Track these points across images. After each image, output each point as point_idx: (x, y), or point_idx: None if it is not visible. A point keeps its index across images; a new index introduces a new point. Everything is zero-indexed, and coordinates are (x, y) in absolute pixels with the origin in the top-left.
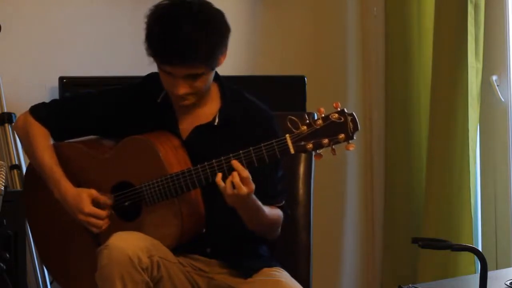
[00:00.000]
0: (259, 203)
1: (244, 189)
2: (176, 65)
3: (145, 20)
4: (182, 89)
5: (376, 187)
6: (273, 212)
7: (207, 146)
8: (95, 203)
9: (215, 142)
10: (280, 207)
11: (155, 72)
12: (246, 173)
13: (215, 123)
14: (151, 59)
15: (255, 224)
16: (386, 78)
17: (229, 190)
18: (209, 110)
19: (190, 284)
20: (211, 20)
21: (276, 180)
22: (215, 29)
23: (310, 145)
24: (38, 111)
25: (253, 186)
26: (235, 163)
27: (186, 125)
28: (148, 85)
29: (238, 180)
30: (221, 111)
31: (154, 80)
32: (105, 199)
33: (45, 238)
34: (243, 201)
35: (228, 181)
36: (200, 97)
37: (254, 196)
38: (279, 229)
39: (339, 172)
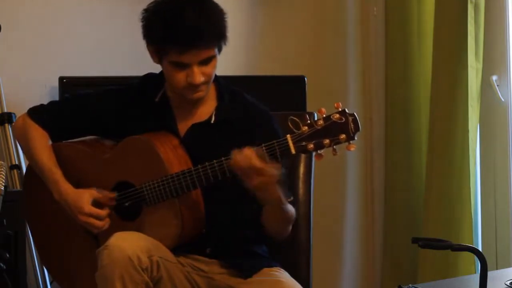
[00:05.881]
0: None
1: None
2: (191, 52)
3: (143, 22)
4: (198, 77)
5: (376, 187)
6: (289, 206)
7: (203, 144)
8: (96, 203)
9: (211, 140)
10: (290, 202)
11: (153, 72)
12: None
13: (212, 121)
14: (154, 59)
15: (278, 218)
16: (386, 78)
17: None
18: (206, 109)
19: (190, 284)
20: (208, 2)
21: (283, 175)
22: (215, 10)
23: (311, 146)
24: (37, 113)
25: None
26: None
27: (184, 124)
28: (146, 84)
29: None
30: (218, 109)
31: (152, 80)
32: (105, 199)
33: (45, 238)
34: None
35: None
36: (209, 88)
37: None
38: (291, 226)
39: (339, 172)
